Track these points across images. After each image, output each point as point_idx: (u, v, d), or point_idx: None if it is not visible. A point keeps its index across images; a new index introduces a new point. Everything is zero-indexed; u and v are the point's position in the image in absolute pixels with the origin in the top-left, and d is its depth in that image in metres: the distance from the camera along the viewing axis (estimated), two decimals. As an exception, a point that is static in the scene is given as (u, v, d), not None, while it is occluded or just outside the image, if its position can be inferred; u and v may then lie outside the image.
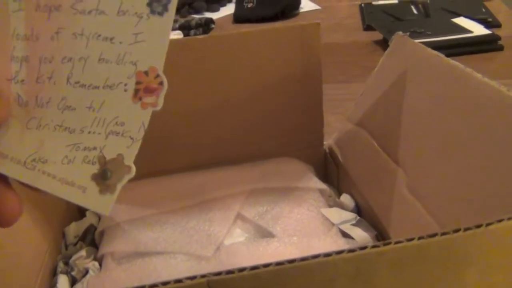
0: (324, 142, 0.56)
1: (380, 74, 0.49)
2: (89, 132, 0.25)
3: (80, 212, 0.51)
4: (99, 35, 0.24)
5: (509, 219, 0.21)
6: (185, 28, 1.31)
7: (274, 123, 0.52)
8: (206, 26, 1.32)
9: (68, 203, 0.50)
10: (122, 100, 0.25)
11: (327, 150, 0.56)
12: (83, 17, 0.24)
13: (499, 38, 1.00)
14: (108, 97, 0.25)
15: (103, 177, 0.26)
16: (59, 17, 0.24)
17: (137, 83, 0.25)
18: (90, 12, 0.24)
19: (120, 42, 0.24)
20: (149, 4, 0.24)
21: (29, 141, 0.25)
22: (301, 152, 0.54)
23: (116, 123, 0.26)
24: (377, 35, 1.11)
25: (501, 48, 1.00)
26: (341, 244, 0.40)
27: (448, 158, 0.36)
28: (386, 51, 0.50)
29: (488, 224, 0.21)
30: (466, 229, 0.21)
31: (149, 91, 0.25)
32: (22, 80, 0.24)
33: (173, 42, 0.47)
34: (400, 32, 0.50)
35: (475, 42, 0.99)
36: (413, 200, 0.38)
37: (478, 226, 0.22)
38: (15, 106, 0.24)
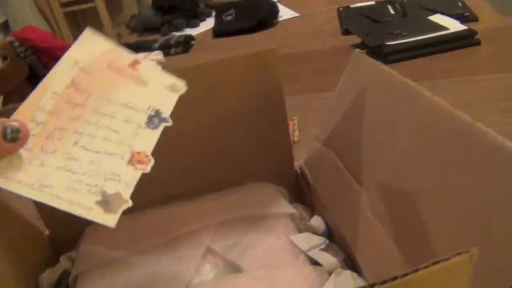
0: (295, 163, 0.56)
1: (341, 93, 0.49)
2: (90, 175, 0.33)
3: (54, 258, 0.51)
4: (108, 127, 0.35)
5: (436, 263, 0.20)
6: (165, 48, 1.31)
7: (242, 151, 0.52)
8: (186, 43, 1.32)
9: (43, 250, 0.51)
10: (119, 163, 0.34)
11: (299, 170, 0.55)
12: (99, 116, 0.35)
13: (475, 32, 1.00)
14: (108, 159, 0.34)
15: (106, 204, 0.32)
16: (82, 110, 0.35)
17: (131, 157, 0.35)
18: (105, 114, 0.35)
19: (123, 134, 0.35)
20: (147, 122, 0.36)
21: (33, 173, 0.31)
22: (273, 175, 0.54)
23: (113, 174, 0.33)
24: (356, 39, 1.11)
25: (478, 43, 0.99)
26: (308, 273, 0.39)
27: (404, 180, 0.36)
28: (346, 69, 0.50)
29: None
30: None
31: (140, 162, 0.36)
32: (33, 135, 0.32)
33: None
34: (358, 50, 0.50)
35: (452, 39, 0.99)
36: (376, 222, 0.38)
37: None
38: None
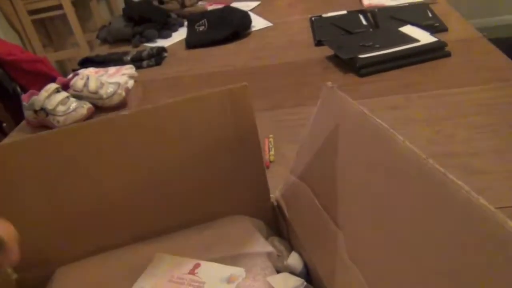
0: (271, 195, 0.55)
1: (314, 127, 0.49)
2: None
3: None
4: None
5: None
6: (137, 60, 1.29)
7: (217, 184, 0.51)
8: (158, 55, 1.30)
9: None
10: None
11: (275, 203, 0.55)
12: None
13: (445, 44, 1.01)
14: None
15: None
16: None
17: None
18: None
19: None
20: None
21: None
22: (250, 207, 0.54)
23: None
24: (329, 50, 1.11)
25: (448, 54, 1.01)
26: (286, 320, 0.39)
27: (378, 224, 0.36)
28: (318, 103, 0.50)
29: None
30: None
31: None
32: None
33: (103, 120, 0.46)
34: (329, 83, 0.49)
35: (423, 51, 1.00)
36: (353, 266, 0.38)
37: None
38: None
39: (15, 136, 1.03)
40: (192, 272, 0.44)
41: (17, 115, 1.44)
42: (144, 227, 0.50)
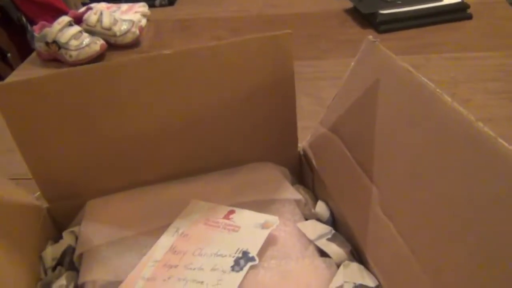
0: (299, 145, 0.56)
1: (351, 80, 0.49)
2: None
3: (56, 234, 0.51)
4: (194, 279, 0.40)
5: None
6: (150, -1, 1.25)
7: (248, 131, 0.52)
8: (171, -5, 1.27)
9: (43, 225, 0.50)
10: None
11: (302, 152, 0.56)
12: (189, 271, 0.41)
13: (468, 6, 1.00)
14: None
15: None
16: (174, 270, 0.41)
17: None
18: (194, 268, 0.41)
19: (207, 284, 0.39)
20: (233, 266, 0.40)
21: None
22: (276, 155, 0.55)
23: None
24: (348, 3, 1.09)
25: (470, 17, 1.00)
26: (317, 264, 0.41)
27: (418, 182, 0.37)
28: (357, 56, 0.50)
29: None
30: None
31: None
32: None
33: (144, 58, 0.45)
34: (370, 37, 0.49)
35: (445, 11, 0.99)
36: (386, 220, 0.40)
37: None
38: None
39: (26, 67, 1.01)
40: (226, 217, 0.46)
41: (21, 45, 1.41)
42: (174, 166, 0.51)
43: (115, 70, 0.45)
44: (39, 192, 0.57)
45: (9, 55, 1.32)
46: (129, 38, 1.01)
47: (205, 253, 0.42)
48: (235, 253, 0.41)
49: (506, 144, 0.31)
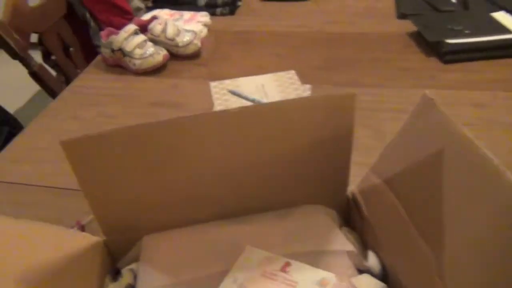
0: (348, 187, 0.56)
1: (406, 136, 0.48)
2: None
3: (111, 267, 0.53)
4: None
5: None
6: (211, 7, 1.27)
7: (302, 176, 0.52)
8: (233, 4, 1.28)
9: (102, 258, 0.52)
10: None
11: (350, 196, 0.56)
12: None
13: (541, 41, 0.95)
14: None
15: None
16: None
17: None
18: None
19: None
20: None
21: None
22: (325, 197, 0.55)
23: None
24: (412, 26, 1.06)
25: (543, 53, 0.95)
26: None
27: (480, 260, 0.36)
28: (413, 111, 0.48)
29: None
30: None
31: None
32: None
33: (211, 115, 0.46)
34: (427, 92, 0.47)
35: (515, 45, 0.95)
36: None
37: None
38: None
39: (91, 71, 1.06)
40: (283, 269, 0.46)
41: (83, 40, 1.47)
42: (229, 205, 0.52)
43: (181, 125, 0.46)
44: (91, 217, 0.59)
45: (71, 49, 1.37)
46: (191, 49, 1.03)
47: None
48: None
49: None
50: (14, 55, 1.15)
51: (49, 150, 0.80)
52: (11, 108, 1.48)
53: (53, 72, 1.30)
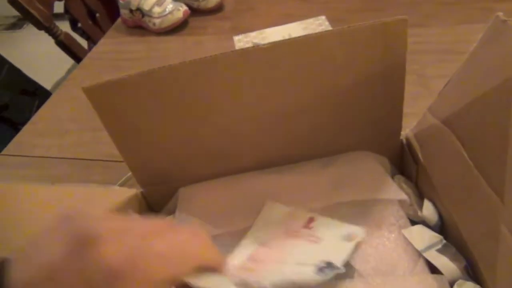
0: (402, 132, 0.51)
1: (472, 66, 0.42)
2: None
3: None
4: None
5: None
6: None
7: (349, 119, 0.48)
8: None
9: (139, 210, 0.50)
10: None
11: (404, 141, 0.51)
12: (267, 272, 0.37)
13: None
14: None
15: None
16: (251, 273, 0.37)
17: None
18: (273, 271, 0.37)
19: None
20: (315, 273, 0.35)
21: None
22: (376, 143, 0.50)
23: None
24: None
25: None
26: (430, 283, 0.37)
27: None
28: (481, 37, 0.42)
29: None
30: None
31: None
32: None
33: (239, 53, 0.42)
34: (501, 14, 0.41)
35: None
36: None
37: None
38: None
39: (112, 35, 1.02)
40: (307, 225, 0.42)
41: (109, 6, 1.43)
42: (269, 155, 0.49)
43: (209, 65, 0.42)
44: (126, 176, 0.57)
45: (97, 15, 1.34)
46: (212, 2, 0.98)
47: (286, 262, 0.39)
48: (319, 263, 0.37)
49: None
50: (38, 25, 1.13)
51: (73, 121, 0.78)
52: (44, 81, 1.47)
53: (83, 41, 1.28)
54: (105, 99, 0.42)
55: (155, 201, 0.53)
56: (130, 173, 0.51)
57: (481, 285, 0.37)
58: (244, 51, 0.41)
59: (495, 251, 0.36)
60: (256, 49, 0.40)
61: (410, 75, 0.71)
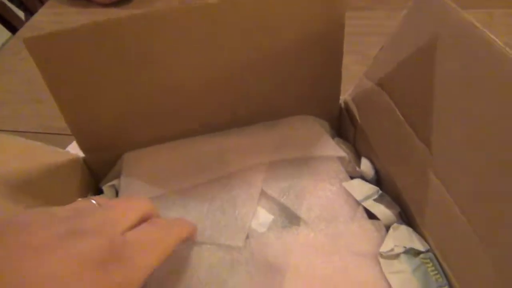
0: (340, 97, 0.54)
1: (403, 30, 0.45)
2: None
3: (94, 185, 0.51)
4: None
5: None
6: None
7: (289, 83, 0.49)
8: None
9: (82, 176, 0.50)
10: None
11: (343, 105, 0.54)
12: None
13: None
14: None
15: None
16: None
17: None
18: None
19: None
20: None
21: None
22: (316, 107, 0.53)
23: None
24: None
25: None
26: (368, 227, 0.40)
27: (477, 148, 0.35)
28: (409, 5, 0.46)
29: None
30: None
31: None
32: None
33: (185, 9, 0.42)
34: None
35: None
36: (439, 184, 0.38)
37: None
38: None
39: (52, 4, 0.97)
40: None
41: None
42: (213, 118, 0.49)
43: (154, 20, 0.41)
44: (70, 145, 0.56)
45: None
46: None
47: None
48: None
49: None
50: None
51: (9, 93, 0.74)
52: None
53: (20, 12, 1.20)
54: (47, 53, 0.40)
55: (101, 169, 0.52)
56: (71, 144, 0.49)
57: (413, 228, 0.41)
58: (193, 7, 0.41)
59: (424, 196, 0.40)
60: (204, 5, 0.41)
61: (356, 54, 0.74)
